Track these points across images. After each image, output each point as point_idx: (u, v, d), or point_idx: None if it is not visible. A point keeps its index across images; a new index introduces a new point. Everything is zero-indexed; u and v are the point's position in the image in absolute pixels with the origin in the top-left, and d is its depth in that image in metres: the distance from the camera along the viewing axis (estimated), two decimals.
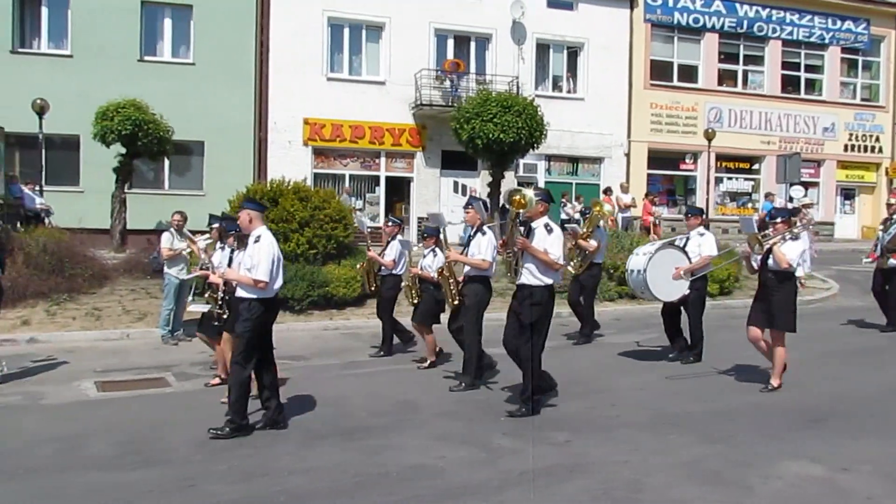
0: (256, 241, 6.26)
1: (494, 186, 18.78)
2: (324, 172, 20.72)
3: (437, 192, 21.62)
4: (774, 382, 7.69)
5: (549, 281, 6.73)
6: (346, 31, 20.93)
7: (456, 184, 21.81)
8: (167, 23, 19.74)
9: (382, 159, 21.38)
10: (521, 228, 6.86)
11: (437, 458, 5.72)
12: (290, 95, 19.95)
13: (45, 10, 19.08)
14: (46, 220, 15.71)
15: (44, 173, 17.39)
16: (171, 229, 10.52)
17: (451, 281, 8.22)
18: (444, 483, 5.24)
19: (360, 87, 20.87)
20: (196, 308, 8.31)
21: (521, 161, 21.44)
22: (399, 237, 9.62)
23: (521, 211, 6.74)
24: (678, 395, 7.55)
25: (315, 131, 20.39)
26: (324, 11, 20.33)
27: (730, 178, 25.64)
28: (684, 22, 24.28)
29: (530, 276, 6.69)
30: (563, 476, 5.32)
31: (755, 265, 7.71)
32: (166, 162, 19.20)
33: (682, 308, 9.11)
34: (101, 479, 5.28)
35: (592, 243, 10.00)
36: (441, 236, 8.82)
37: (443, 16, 21.29)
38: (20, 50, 18.77)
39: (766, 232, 7.81)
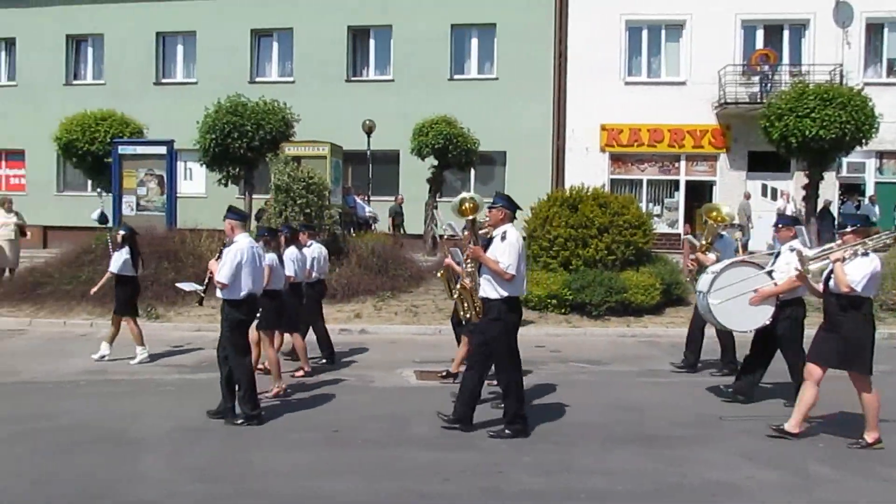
0: (227, 247, 6.82)
1: (811, 189, 17.08)
2: (621, 178, 20.59)
3: (741, 196, 20.24)
4: (868, 438, 6.02)
5: (505, 293, 6.17)
6: (645, 33, 20.59)
7: (765, 187, 20.22)
8: (474, 42, 21.23)
9: (682, 163, 20.62)
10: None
11: (745, 477, 5.43)
12: (588, 103, 20.17)
13: (372, 42, 21.71)
14: (373, 227, 17.82)
15: (370, 185, 19.76)
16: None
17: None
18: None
19: (658, 89, 20.38)
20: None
21: (845, 160, 19.19)
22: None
23: (473, 217, 6.39)
24: None
25: (612, 137, 20.37)
26: (622, 16, 20.23)
27: None
28: None
29: (488, 287, 6.24)
30: None
31: (818, 287, 6.17)
32: (472, 172, 20.59)
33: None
34: (422, 456, 5.90)
35: (711, 257, 8.43)
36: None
37: (751, 5, 19.88)
38: (352, 78, 21.57)
39: (830, 246, 6.16)
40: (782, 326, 7.16)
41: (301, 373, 8.80)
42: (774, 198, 19.85)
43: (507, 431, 6.32)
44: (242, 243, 6.86)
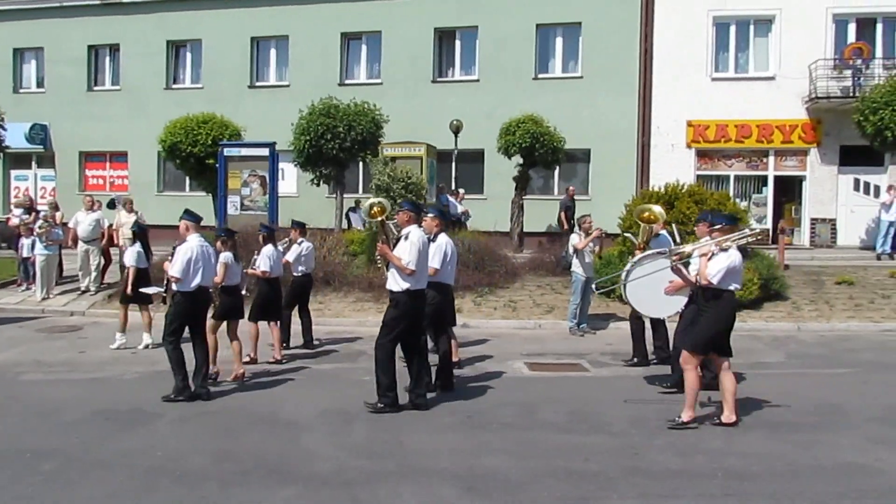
0: (180, 244, 7.72)
1: None
2: (707, 174, 20.51)
3: (833, 191, 19.96)
4: (685, 415, 6.59)
5: (406, 285, 7.01)
6: (733, 29, 20.45)
7: (857, 181, 19.86)
8: (558, 41, 21.46)
9: (771, 158, 20.40)
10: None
11: (875, 459, 5.72)
12: (674, 99, 20.20)
13: (458, 44, 22.18)
14: (467, 224, 18.34)
15: (454, 184, 20.23)
16: (579, 231, 11.67)
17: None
18: (886, 482, 5.25)
19: (746, 84, 20.23)
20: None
21: None
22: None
23: (382, 219, 7.24)
24: None
25: (699, 133, 20.33)
26: (709, 12, 20.15)
27: None
28: None
29: (392, 280, 7.10)
30: None
31: (691, 279, 7.00)
32: (556, 169, 20.85)
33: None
34: (559, 439, 6.35)
35: None
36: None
37: None
38: (439, 79, 22.08)
39: (706, 241, 6.82)
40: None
41: (272, 360, 9.50)
42: (867, 192, 19.52)
43: (379, 405, 7.13)
44: (192, 242, 7.74)
